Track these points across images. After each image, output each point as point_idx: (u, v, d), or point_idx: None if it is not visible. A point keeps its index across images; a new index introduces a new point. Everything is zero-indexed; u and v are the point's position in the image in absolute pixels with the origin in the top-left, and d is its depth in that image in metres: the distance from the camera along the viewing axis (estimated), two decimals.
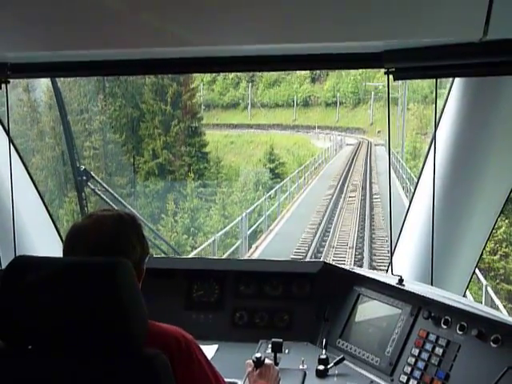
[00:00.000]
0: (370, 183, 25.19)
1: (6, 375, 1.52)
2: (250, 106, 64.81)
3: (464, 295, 3.27)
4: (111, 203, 4.08)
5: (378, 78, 47.72)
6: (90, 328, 1.46)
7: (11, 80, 2.46)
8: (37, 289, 1.49)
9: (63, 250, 1.69)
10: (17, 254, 2.26)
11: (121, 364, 1.47)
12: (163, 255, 4.25)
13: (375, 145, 45.70)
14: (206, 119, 62.28)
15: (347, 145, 50.31)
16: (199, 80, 62.62)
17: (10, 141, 2.87)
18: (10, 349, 1.53)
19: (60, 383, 1.50)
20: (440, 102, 2.88)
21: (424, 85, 38.90)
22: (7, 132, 2.99)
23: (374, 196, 21.64)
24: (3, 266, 2.66)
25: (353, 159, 37.10)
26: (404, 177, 22.81)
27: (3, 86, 2.47)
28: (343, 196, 22.78)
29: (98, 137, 24.35)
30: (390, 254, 3.11)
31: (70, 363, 1.49)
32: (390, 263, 2.75)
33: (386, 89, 2.34)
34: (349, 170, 31.72)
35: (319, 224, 17.48)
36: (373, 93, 56.40)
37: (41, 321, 1.49)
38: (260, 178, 36.85)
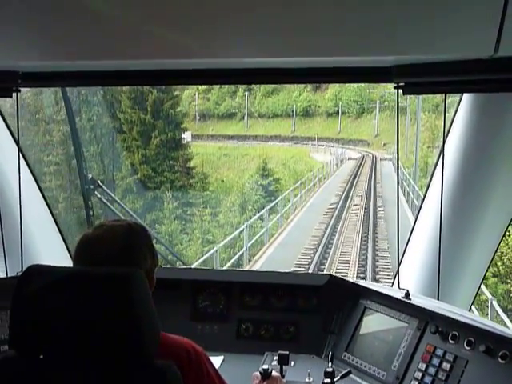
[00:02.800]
0: (375, 212, 22.53)
1: (16, 383, 1.59)
2: (246, 116, 63.77)
3: (469, 310, 3.38)
4: (119, 213, 4.31)
5: (383, 86, 43.97)
6: (102, 338, 1.53)
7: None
8: (49, 298, 1.56)
9: (74, 260, 1.77)
10: (23, 264, 2.81)
11: (132, 375, 1.55)
12: (169, 266, 4.34)
13: (381, 159, 41.80)
14: (200, 130, 62.26)
15: (349, 159, 47.80)
16: (194, 89, 59.81)
17: (20, 150, 3.04)
18: (22, 358, 1.61)
19: None
20: (449, 114, 2.97)
21: None
22: (17, 142, 3.16)
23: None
24: (9, 275, 2.97)
25: (354, 178, 34.90)
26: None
27: (14, 94, 2.60)
28: (339, 230, 19.73)
29: (62, 150, 22.69)
30: (396, 268, 3.21)
31: (81, 373, 1.56)
32: (397, 277, 2.85)
33: (396, 103, 2.48)
34: (349, 192, 29.01)
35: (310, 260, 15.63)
36: (378, 101, 54.13)
37: (53, 330, 1.56)
38: (248, 197, 35.16)
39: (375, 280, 13.13)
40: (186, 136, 58.41)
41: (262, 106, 65.53)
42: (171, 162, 33.06)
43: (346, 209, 23.48)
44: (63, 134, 22.66)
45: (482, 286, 8.18)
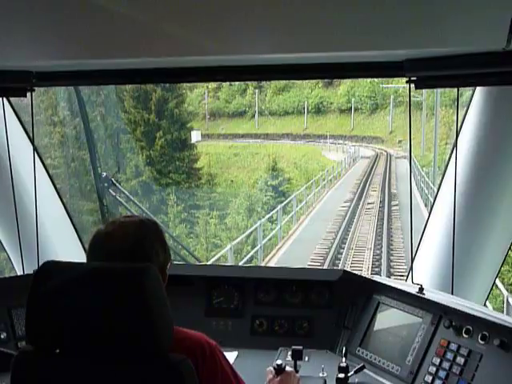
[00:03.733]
0: (389, 217, 20.77)
1: (33, 378, 1.67)
2: (257, 114, 63.16)
3: (484, 305, 3.39)
4: (132, 210, 4.37)
5: (397, 80, 42.47)
6: (117, 333, 1.58)
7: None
8: (64, 294, 1.62)
9: (87, 256, 1.82)
10: (39, 261, 2.89)
11: (147, 369, 1.59)
12: (183, 262, 4.44)
13: (396, 158, 39.30)
14: (210, 129, 62.02)
15: (362, 158, 46.41)
16: (203, 87, 59.07)
17: (35, 149, 3.14)
18: (38, 352, 1.67)
19: None
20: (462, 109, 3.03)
21: None
22: (32, 141, 3.25)
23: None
24: (26, 272, 3.08)
25: (367, 178, 33.35)
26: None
27: (28, 94, 2.69)
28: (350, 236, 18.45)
29: (60, 153, 21.42)
30: (410, 263, 3.29)
31: (96, 368, 1.62)
32: (411, 272, 2.93)
33: (408, 98, 2.53)
34: (362, 193, 27.47)
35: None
36: (392, 96, 52.40)
37: (68, 325, 1.62)
38: (257, 199, 34.25)
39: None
40: (196, 135, 57.85)
41: (272, 104, 65.14)
42: (177, 162, 32.59)
43: (357, 217, 21.83)
44: (62, 136, 22.13)
45: (498, 282, 7.98)
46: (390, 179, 31.65)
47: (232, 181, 43.29)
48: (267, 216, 22.13)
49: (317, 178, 30.38)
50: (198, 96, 63.14)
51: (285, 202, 23.23)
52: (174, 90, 32.60)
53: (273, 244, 19.23)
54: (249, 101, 65.25)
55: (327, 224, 20.37)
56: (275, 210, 20.70)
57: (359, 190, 28.33)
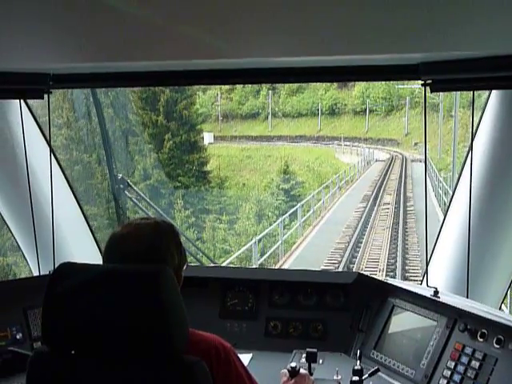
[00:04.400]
0: (404, 226, 19.84)
1: (49, 379, 1.71)
2: (270, 116, 62.92)
3: (500, 309, 3.43)
4: (148, 212, 4.47)
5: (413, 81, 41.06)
6: (133, 335, 1.62)
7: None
8: (80, 295, 1.66)
9: (103, 258, 1.86)
10: (55, 262, 2.98)
11: (162, 371, 1.62)
12: (198, 264, 4.44)
13: (412, 161, 38.10)
14: (223, 131, 62.19)
15: (377, 161, 45.55)
16: (216, 89, 58.76)
17: (51, 151, 3.20)
18: (54, 353, 1.71)
19: None
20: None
21: None
22: (48, 142, 3.34)
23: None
24: (42, 273, 3.17)
25: (382, 183, 32.09)
26: None
27: (45, 96, 2.77)
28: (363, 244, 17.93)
29: (64, 156, 20.71)
30: (425, 266, 3.29)
31: (111, 368, 1.65)
32: (426, 275, 2.98)
33: (423, 101, 2.56)
34: (375, 199, 26.29)
35: None
36: (408, 98, 50.70)
37: (84, 326, 1.65)
38: (265, 205, 33.47)
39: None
40: (208, 137, 57.36)
41: (286, 105, 64.79)
42: (186, 165, 32.20)
43: (369, 226, 20.91)
44: (65, 138, 21.71)
45: None
46: (405, 184, 30.69)
47: (244, 184, 42.51)
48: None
49: (327, 183, 29.55)
50: (211, 97, 63.14)
51: (300, 204, 22.52)
52: (184, 92, 32.43)
53: (286, 249, 18.73)
54: (262, 102, 64.95)
55: (336, 237, 19.49)
56: (284, 216, 19.94)
57: (373, 195, 27.43)
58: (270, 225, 23.74)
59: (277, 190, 35.45)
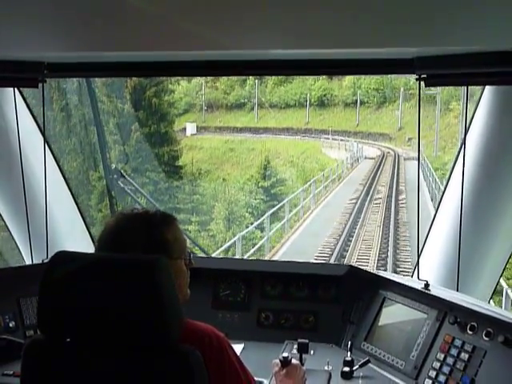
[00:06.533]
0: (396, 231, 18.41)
1: (44, 366, 1.78)
2: (256, 107, 60.76)
3: (489, 302, 3.61)
4: (141, 203, 4.66)
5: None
6: (128, 323, 1.69)
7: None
8: (76, 284, 1.73)
9: (96, 248, 1.97)
10: (48, 251, 3.10)
11: (156, 359, 1.69)
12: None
13: (405, 159, 35.45)
14: (207, 121, 59.66)
15: (366, 158, 43.17)
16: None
17: (45, 141, 3.34)
18: (49, 341, 1.79)
19: (96, 377, 1.74)
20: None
21: None
22: (42, 132, 3.47)
23: None
24: (35, 262, 3.30)
25: (370, 186, 29.11)
26: None
27: (40, 85, 2.87)
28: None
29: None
30: (416, 259, 3.41)
31: (106, 357, 1.73)
32: (417, 268, 3.10)
33: (418, 95, 2.66)
34: (362, 204, 23.81)
35: None
36: (402, 89, 48.33)
37: (79, 315, 1.72)
38: (241, 205, 31.22)
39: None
40: (191, 128, 54.75)
41: (273, 96, 63.00)
42: (156, 159, 29.92)
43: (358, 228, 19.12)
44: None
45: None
46: (397, 186, 28.22)
47: (224, 179, 40.01)
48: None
49: (313, 180, 27.55)
50: (196, 86, 61.81)
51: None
52: (152, 78, 29.34)
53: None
54: (249, 92, 63.35)
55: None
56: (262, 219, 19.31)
57: (355, 208, 23.93)
58: (247, 227, 22.96)
59: (256, 187, 33.71)
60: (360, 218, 21.27)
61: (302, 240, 18.97)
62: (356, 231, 19.23)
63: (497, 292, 11.55)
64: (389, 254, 15.70)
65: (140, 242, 1.87)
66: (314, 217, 22.06)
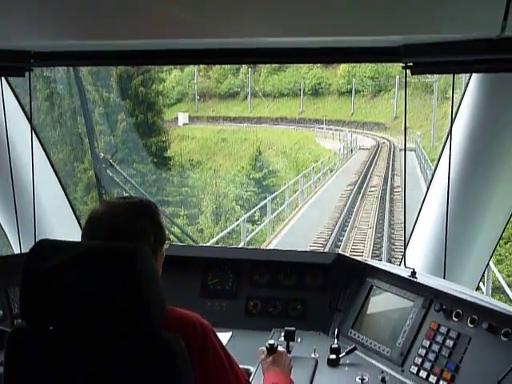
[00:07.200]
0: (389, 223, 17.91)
1: (27, 355, 1.80)
2: (249, 96, 60.03)
3: (477, 289, 3.68)
4: (130, 192, 4.69)
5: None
6: (110, 311, 1.71)
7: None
8: (58, 272, 1.74)
9: (81, 235, 1.99)
10: (36, 239, 3.00)
11: (138, 347, 1.73)
12: (179, 243, 4.63)
13: (400, 150, 37.04)
14: (199, 111, 59.08)
15: (360, 149, 42.27)
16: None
17: (32, 128, 3.36)
18: (32, 329, 1.81)
19: (78, 364, 1.76)
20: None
21: None
22: (30, 120, 3.53)
23: None
24: (23, 251, 3.35)
25: (365, 177, 28.45)
26: None
27: (26, 74, 2.89)
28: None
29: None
30: (403, 247, 3.57)
31: (89, 345, 1.76)
32: (404, 256, 3.19)
33: (404, 84, 2.72)
34: (354, 201, 22.46)
35: None
36: (397, 77, 48.57)
37: (62, 302, 1.75)
38: (226, 201, 30.10)
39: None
40: (183, 118, 53.78)
41: (267, 85, 62.52)
42: (144, 150, 29.32)
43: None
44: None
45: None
46: (392, 179, 27.30)
47: (215, 170, 39.19)
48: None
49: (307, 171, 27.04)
50: (189, 75, 61.33)
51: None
52: (140, 66, 28.76)
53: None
54: (242, 81, 62.90)
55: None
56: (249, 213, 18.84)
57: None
58: (237, 220, 21.96)
59: (247, 179, 33.20)
60: (354, 209, 20.72)
61: (295, 233, 18.17)
62: (350, 222, 18.65)
63: (496, 289, 11.42)
64: (383, 243, 15.67)
65: (120, 230, 1.87)
66: (299, 217, 20.32)
